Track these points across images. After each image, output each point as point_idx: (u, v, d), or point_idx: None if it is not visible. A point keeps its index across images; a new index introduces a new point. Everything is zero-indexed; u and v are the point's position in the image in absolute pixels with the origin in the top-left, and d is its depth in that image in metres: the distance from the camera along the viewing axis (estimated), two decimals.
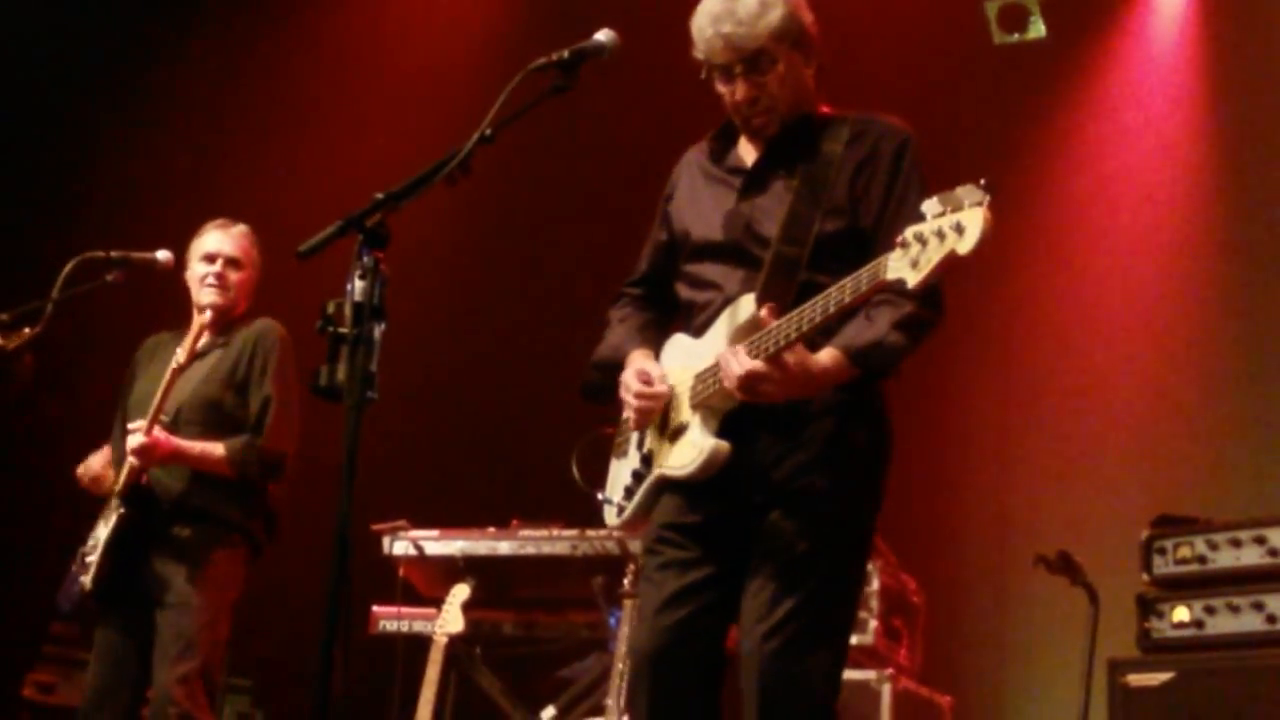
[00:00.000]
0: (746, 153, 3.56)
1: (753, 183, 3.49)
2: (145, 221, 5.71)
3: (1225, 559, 5.06)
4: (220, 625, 4.82)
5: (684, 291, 3.55)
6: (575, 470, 3.40)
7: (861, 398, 3.34)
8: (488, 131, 3.08)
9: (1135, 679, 5.06)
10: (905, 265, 2.89)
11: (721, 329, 3.36)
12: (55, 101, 7.82)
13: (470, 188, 3.11)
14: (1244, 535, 5.04)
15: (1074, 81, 7.44)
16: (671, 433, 3.40)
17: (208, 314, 4.94)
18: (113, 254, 5.01)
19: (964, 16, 7.44)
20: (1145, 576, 5.19)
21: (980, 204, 2.80)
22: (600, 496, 3.63)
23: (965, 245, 2.79)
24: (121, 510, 4.79)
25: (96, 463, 5.09)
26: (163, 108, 7.92)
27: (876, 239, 3.27)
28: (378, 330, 2.84)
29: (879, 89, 6.92)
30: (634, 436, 3.55)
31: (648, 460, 3.47)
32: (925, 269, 2.85)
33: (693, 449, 3.32)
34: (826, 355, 3.21)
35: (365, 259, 2.87)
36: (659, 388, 3.44)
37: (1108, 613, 5.35)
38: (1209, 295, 6.94)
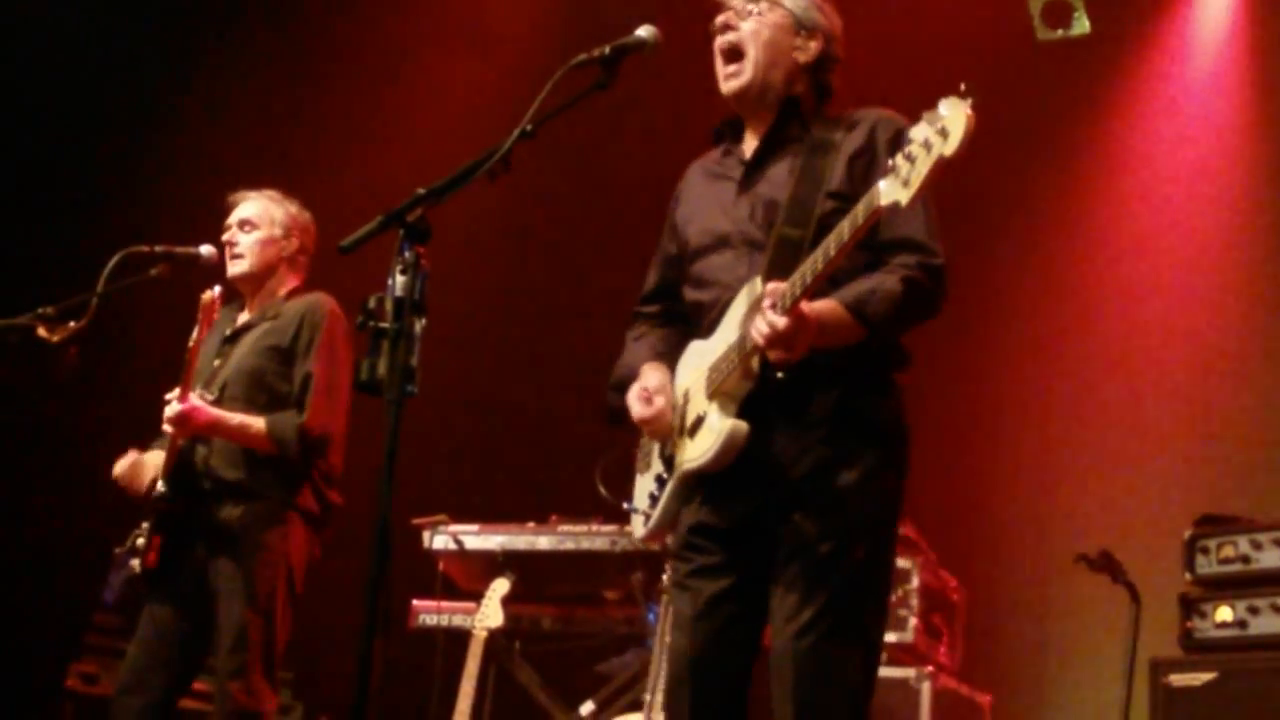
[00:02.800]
0: (748, 144, 3.60)
1: (753, 171, 3.52)
2: (190, 217, 5.72)
3: (1269, 559, 5.04)
4: (275, 608, 4.73)
5: (690, 293, 3.56)
6: (599, 485, 3.40)
7: (874, 387, 3.35)
8: (528, 127, 3.09)
9: (1177, 679, 5.04)
10: (897, 187, 2.88)
11: (730, 318, 3.36)
12: (101, 97, 7.87)
13: (512, 182, 3.12)
14: None
15: (1118, 78, 7.40)
16: (690, 427, 3.40)
17: (216, 289, 4.86)
18: (157, 249, 5.02)
19: (1007, 12, 7.40)
20: (1188, 576, 5.17)
21: (961, 106, 2.79)
22: (627, 506, 3.63)
23: (950, 146, 2.78)
24: (164, 490, 4.76)
25: (135, 463, 4.98)
26: (210, 104, 7.97)
27: (879, 223, 3.27)
28: (418, 325, 2.85)
29: (921, 86, 6.93)
30: (655, 447, 3.56)
31: (670, 462, 3.47)
32: (916, 182, 2.85)
33: (710, 434, 3.30)
34: (824, 304, 3.20)
35: (406, 254, 2.89)
36: (656, 403, 3.45)
37: (1150, 612, 5.34)
38: (1254, 296, 6.89)
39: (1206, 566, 5.14)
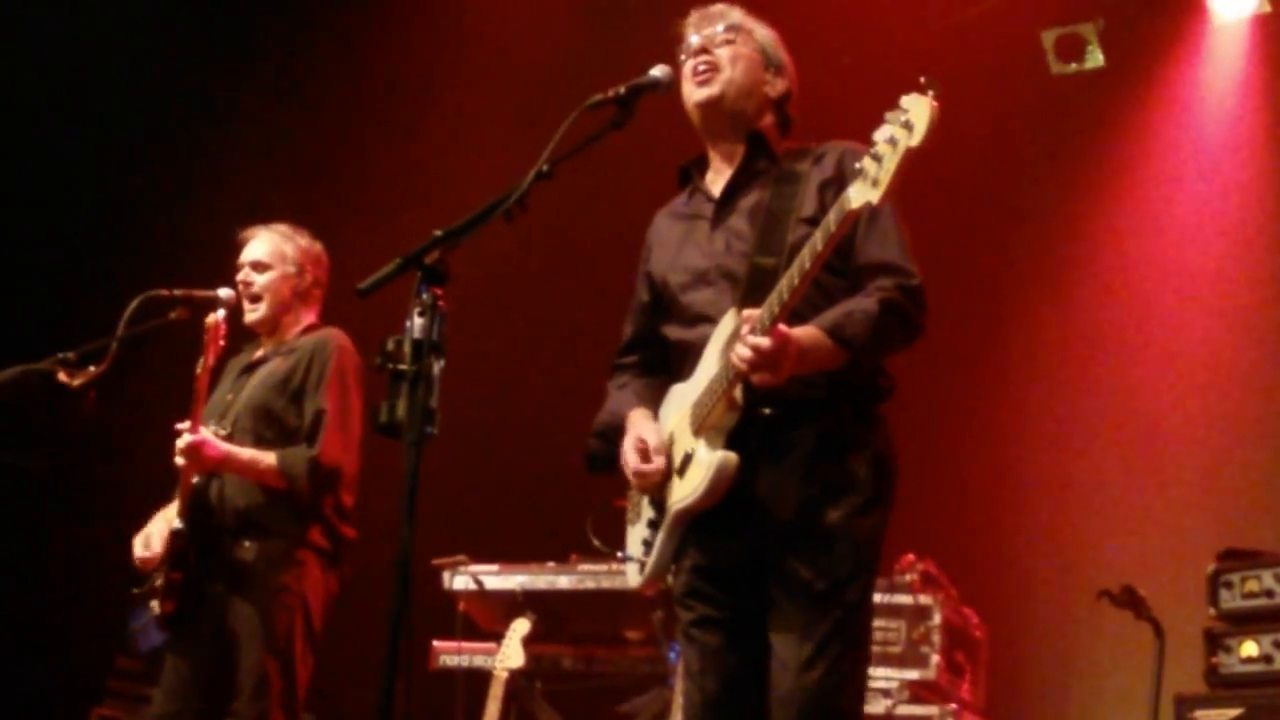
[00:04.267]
0: (714, 182, 3.63)
1: (724, 206, 3.55)
2: (210, 259, 5.75)
3: None
4: (294, 650, 4.72)
5: (676, 333, 3.56)
6: (591, 536, 3.40)
7: (858, 422, 3.37)
8: (545, 167, 3.10)
9: (1203, 715, 5.00)
10: (867, 188, 2.90)
11: (710, 353, 3.37)
12: (119, 142, 7.93)
13: (530, 222, 3.12)
14: None
15: (1133, 111, 7.40)
16: (679, 467, 3.40)
17: (220, 313, 4.87)
18: (176, 292, 5.04)
19: (1021, 46, 7.42)
20: (1212, 611, 5.14)
21: (924, 97, 2.81)
22: (620, 555, 3.61)
23: (915, 137, 2.80)
24: (181, 527, 4.75)
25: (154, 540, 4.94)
26: (229, 145, 8.02)
27: (852, 250, 3.32)
28: (437, 366, 2.86)
29: (945, 118, 6.94)
30: (644, 495, 3.54)
31: (661, 506, 3.46)
32: (886, 180, 2.86)
33: (700, 468, 3.30)
34: (803, 330, 3.21)
35: (424, 296, 2.89)
36: (656, 462, 3.44)
37: (1174, 648, 5.30)
38: (1273, 328, 6.87)
39: (1231, 601, 5.11)
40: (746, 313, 3.19)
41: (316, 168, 8.02)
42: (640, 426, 3.52)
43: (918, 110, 2.80)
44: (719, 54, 3.58)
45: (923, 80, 2.83)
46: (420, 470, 2.82)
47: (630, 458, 3.48)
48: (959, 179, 6.67)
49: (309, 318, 5.14)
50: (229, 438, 4.86)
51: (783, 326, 3.13)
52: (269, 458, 4.80)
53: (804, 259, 3.07)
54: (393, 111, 8.17)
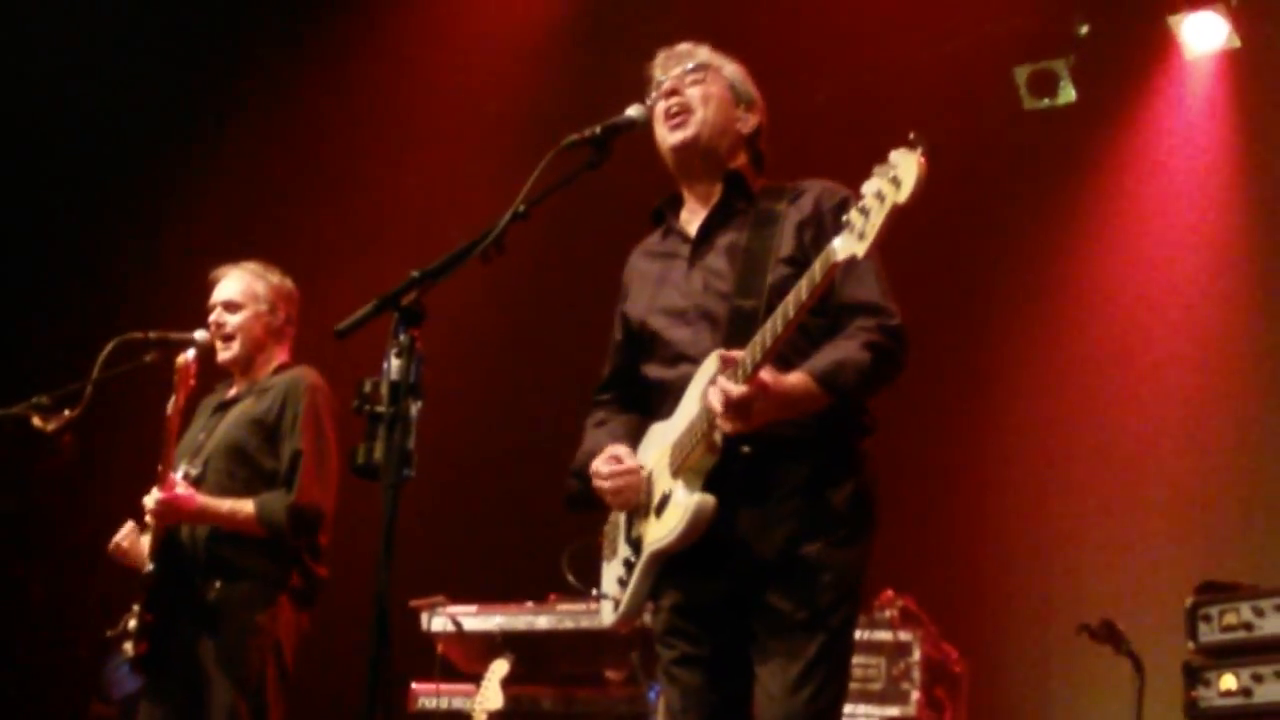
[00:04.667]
0: (689, 222, 3.64)
1: (701, 245, 3.57)
2: (185, 302, 5.74)
3: (1272, 625, 5.00)
4: (265, 691, 4.69)
5: (655, 371, 3.57)
6: (567, 574, 3.40)
7: (839, 458, 3.37)
8: (522, 208, 3.12)
9: None
10: (853, 240, 2.91)
11: (690, 394, 3.38)
12: (90, 183, 7.92)
13: (505, 261, 3.13)
14: None
15: (1105, 144, 7.45)
16: (656, 507, 3.40)
17: (190, 353, 4.87)
18: (151, 335, 5.03)
19: (994, 82, 7.47)
20: (1191, 644, 5.14)
21: (912, 153, 2.82)
22: (595, 593, 3.61)
23: (903, 194, 2.81)
24: (152, 569, 4.72)
25: (135, 541, 4.97)
26: (202, 189, 8.02)
27: (833, 289, 3.31)
28: (414, 408, 2.86)
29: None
30: (620, 532, 3.54)
31: (637, 545, 3.45)
32: (871, 233, 2.87)
33: (677, 509, 3.30)
34: (794, 377, 3.24)
35: (401, 337, 2.90)
36: (629, 463, 3.46)
37: (1153, 682, 5.31)
38: (1250, 360, 6.91)
39: (1209, 634, 5.11)
40: (726, 356, 3.21)
41: (292, 207, 8.01)
42: (610, 450, 3.53)
43: (905, 167, 2.81)
44: (690, 94, 3.59)
45: (911, 136, 2.84)
46: (398, 511, 2.81)
47: (603, 468, 3.48)
48: (933, 213, 6.69)
49: (281, 356, 5.13)
50: (201, 477, 4.84)
51: (764, 375, 3.14)
52: (247, 506, 4.78)
53: (788, 307, 3.08)
54: (368, 152, 8.18)
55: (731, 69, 3.68)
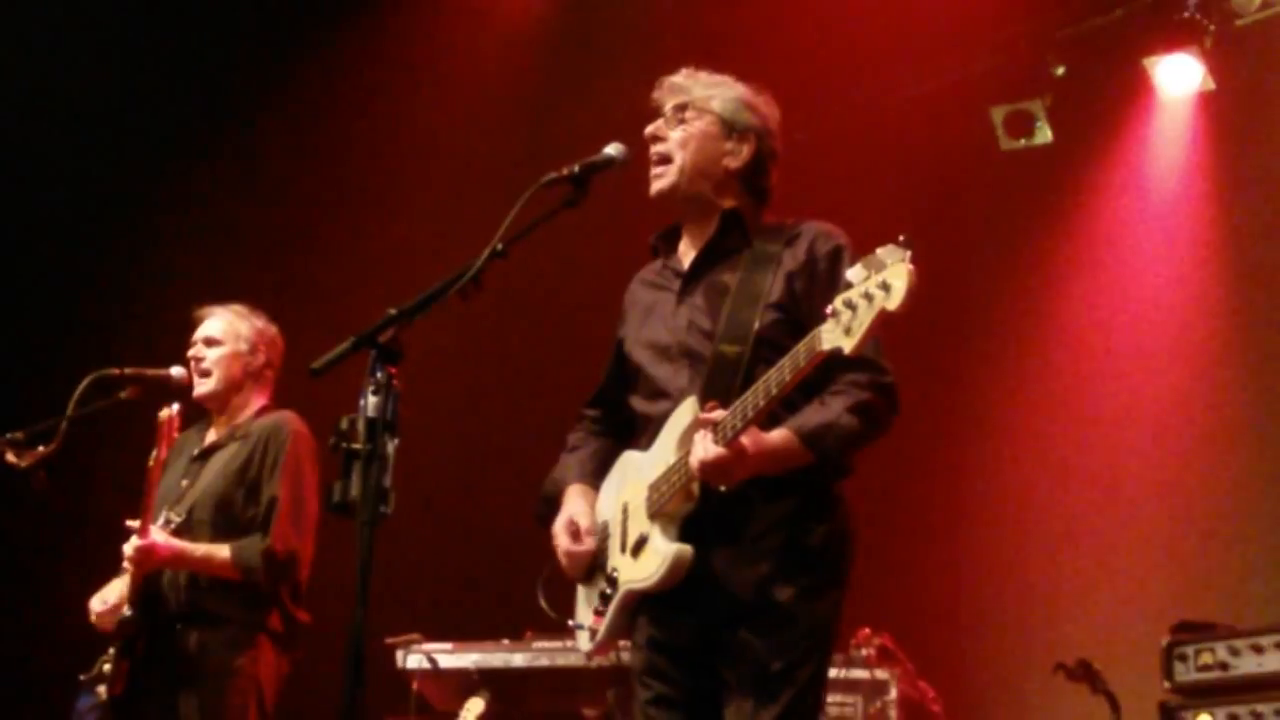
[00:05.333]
0: (685, 255, 3.65)
1: (690, 283, 3.58)
2: (162, 338, 5.74)
3: (1248, 665, 5.03)
4: None
5: (638, 404, 3.60)
6: (542, 601, 3.42)
7: (814, 501, 3.39)
8: (499, 246, 3.14)
9: None
10: (839, 334, 2.95)
11: (667, 436, 3.41)
12: (70, 221, 7.92)
13: (480, 298, 3.15)
14: (1266, 641, 5.03)
15: (1081, 185, 7.50)
16: (633, 546, 3.42)
17: (174, 406, 4.87)
18: (126, 371, 5.03)
19: (970, 123, 7.52)
20: (1167, 684, 5.16)
21: (903, 260, 2.86)
22: (571, 623, 3.63)
23: (894, 301, 2.85)
24: (130, 614, 4.72)
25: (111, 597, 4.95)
26: (182, 224, 8.02)
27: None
28: (391, 445, 2.87)
29: (885, 196, 7.04)
30: (596, 558, 3.56)
31: (613, 579, 3.48)
32: (859, 332, 2.91)
33: (655, 557, 3.34)
34: (779, 435, 3.27)
35: (378, 375, 2.91)
36: (586, 544, 3.51)
37: None
38: (1227, 398, 6.95)
39: (1185, 674, 5.13)
40: (705, 415, 3.24)
41: (271, 247, 8.02)
42: (573, 506, 3.58)
43: (895, 274, 2.86)
44: (670, 138, 3.58)
45: (901, 239, 2.89)
46: (373, 548, 2.82)
47: (561, 539, 3.54)
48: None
49: (260, 399, 5.12)
50: (184, 526, 4.84)
51: (745, 439, 3.18)
52: (223, 552, 4.78)
53: (770, 384, 3.12)
54: (348, 191, 8.20)
55: (725, 97, 3.60)
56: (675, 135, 3.58)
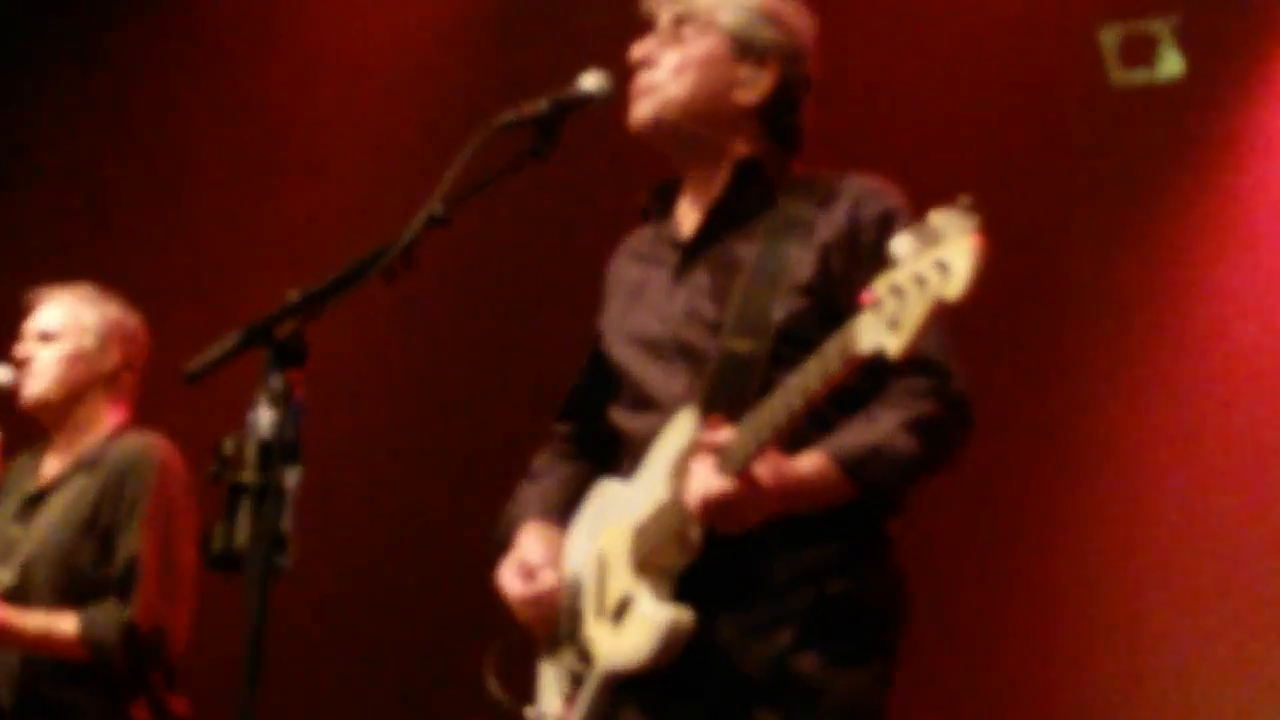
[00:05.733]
0: (686, 217, 3.62)
1: (692, 256, 3.55)
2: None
3: None
4: None
5: (620, 417, 3.59)
6: (491, 685, 3.41)
7: (854, 548, 3.36)
8: (438, 211, 3.12)
9: None
10: (882, 329, 2.85)
11: (657, 462, 3.38)
12: None
13: (421, 278, 3.15)
14: None
15: (1222, 132, 7.48)
16: (614, 610, 3.40)
17: None
18: None
19: (1073, 47, 7.50)
20: None
21: (967, 231, 2.75)
22: (531, 713, 3.60)
23: (953, 288, 2.74)
24: None
25: None
26: (16, 193, 8.03)
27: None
28: (291, 476, 2.86)
29: (957, 144, 7.02)
30: (564, 623, 3.54)
31: (586, 654, 3.46)
32: (909, 328, 2.81)
33: (645, 626, 3.30)
34: (809, 462, 3.23)
35: (274, 381, 2.90)
36: (543, 580, 3.48)
37: None
38: None
39: None
40: (708, 437, 3.20)
41: (132, 211, 8.01)
42: (524, 545, 3.56)
43: (956, 250, 2.74)
44: (663, 64, 3.55)
45: (963, 200, 2.79)
46: (267, 614, 2.81)
47: (510, 585, 3.52)
48: (991, 224, 6.72)
49: (116, 415, 5.11)
50: (16, 589, 4.82)
51: (760, 468, 3.14)
52: (66, 623, 4.75)
53: (792, 396, 3.07)
54: (236, 138, 8.17)
55: (737, 5, 3.56)
56: (669, 59, 3.55)
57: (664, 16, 3.59)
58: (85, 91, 8.17)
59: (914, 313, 2.81)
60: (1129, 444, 7.36)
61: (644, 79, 3.56)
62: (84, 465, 5.00)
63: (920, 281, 2.79)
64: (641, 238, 3.74)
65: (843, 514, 3.32)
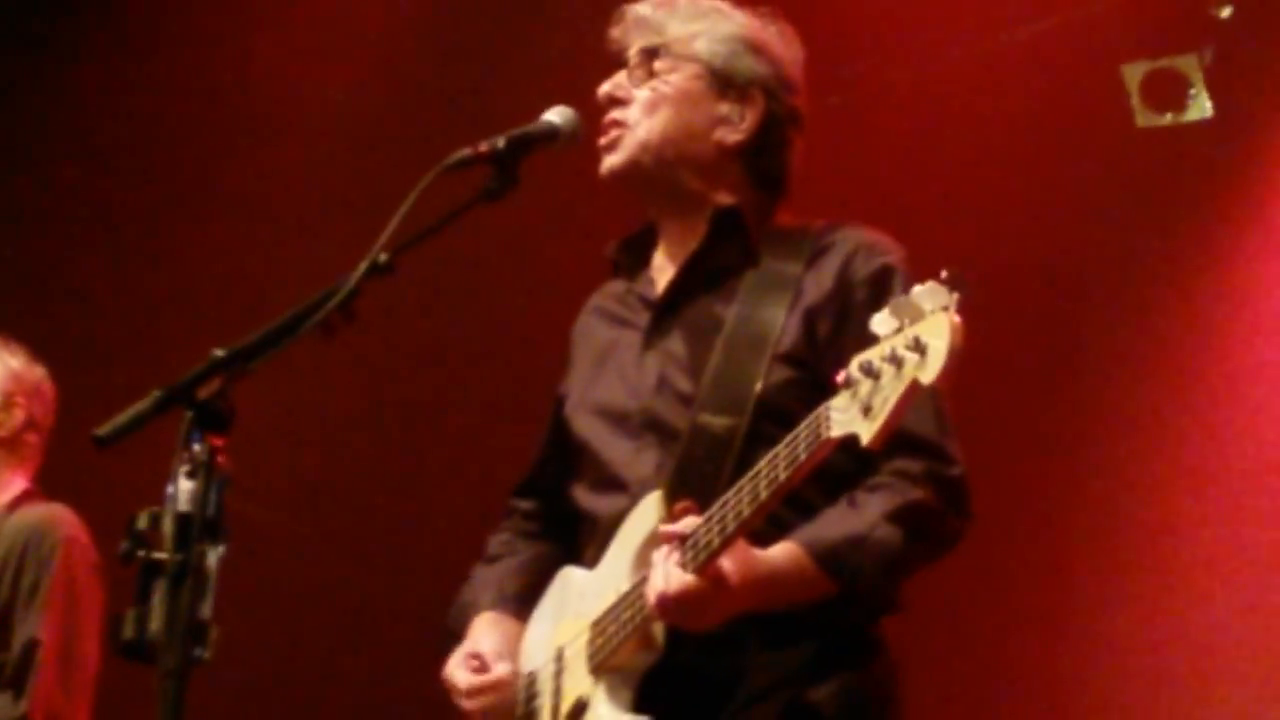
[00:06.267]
0: (660, 272, 3.63)
1: (665, 317, 3.54)
2: None
3: None
4: None
5: (582, 497, 3.58)
6: None
7: (836, 649, 3.34)
8: (382, 258, 3.10)
9: None
10: (855, 413, 2.85)
11: (620, 550, 3.37)
12: None
13: (364, 332, 3.14)
14: None
15: (1251, 172, 7.53)
16: (567, 716, 3.38)
17: None
18: None
19: (1095, 85, 7.54)
20: None
21: (945, 307, 2.74)
22: None
23: (928, 372, 2.73)
24: None
25: None
26: None
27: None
28: (213, 555, 2.82)
29: (965, 190, 7.06)
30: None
31: None
32: (883, 413, 2.80)
33: None
34: (781, 554, 3.21)
35: (196, 448, 2.87)
36: (495, 673, 3.46)
37: None
38: None
39: None
40: (665, 528, 3.18)
41: (37, 254, 7.99)
42: (475, 637, 3.56)
43: (933, 329, 2.74)
44: (635, 100, 3.55)
45: (944, 275, 2.78)
46: (183, 712, 2.78)
47: (457, 678, 3.49)
48: (1003, 274, 6.75)
49: (18, 481, 5.14)
50: None
51: (725, 563, 3.12)
52: None
53: (759, 485, 3.05)
54: (162, 168, 8.16)
55: (715, 35, 3.57)
56: (642, 95, 3.55)
57: (634, 48, 3.60)
58: None
59: (888, 396, 2.80)
60: (1163, 498, 7.45)
61: (614, 118, 3.56)
62: None
63: (896, 361, 2.78)
64: (610, 293, 3.74)
65: (824, 611, 3.29)
